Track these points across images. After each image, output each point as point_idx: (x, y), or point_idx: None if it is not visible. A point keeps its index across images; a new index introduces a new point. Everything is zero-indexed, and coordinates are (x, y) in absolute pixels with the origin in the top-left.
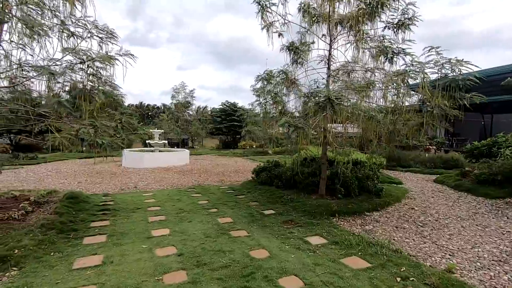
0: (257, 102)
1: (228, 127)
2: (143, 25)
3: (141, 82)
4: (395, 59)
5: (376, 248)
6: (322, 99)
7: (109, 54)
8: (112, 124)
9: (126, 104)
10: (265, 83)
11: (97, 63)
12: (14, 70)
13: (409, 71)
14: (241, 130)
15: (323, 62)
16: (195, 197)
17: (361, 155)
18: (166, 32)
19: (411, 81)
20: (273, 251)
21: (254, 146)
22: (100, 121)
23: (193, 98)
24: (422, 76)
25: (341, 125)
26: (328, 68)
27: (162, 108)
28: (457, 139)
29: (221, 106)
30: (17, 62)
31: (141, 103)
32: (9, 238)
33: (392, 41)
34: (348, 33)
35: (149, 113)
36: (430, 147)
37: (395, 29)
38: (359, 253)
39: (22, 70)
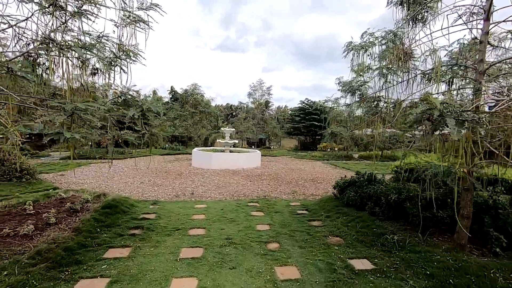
0: (341, 96)
1: (307, 127)
2: (234, 32)
3: (230, 84)
4: None
5: None
6: None
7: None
8: (100, 108)
9: (213, 104)
10: (361, 53)
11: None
12: None
13: None
14: (322, 132)
15: (470, 14)
16: (254, 217)
17: None
18: (254, 36)
19: None
20: None
21: (336, 149)
22: (78, 104)
23: (270, 95)
24: None
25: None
26: (487, 20)
27: (245, 107)
28: None
29: (299, 105)
30: None
31: (227, 104)
32: None
33: None
34: None
35: (233, 113)
36: None
37: None
38: None
39: None
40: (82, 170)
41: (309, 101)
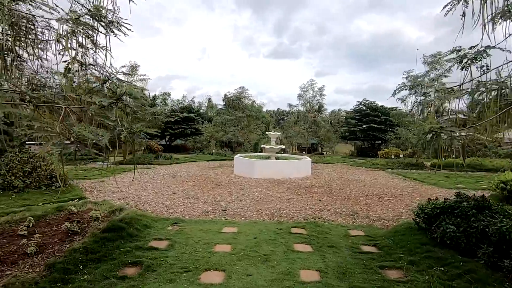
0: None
1: (364, 130)
2: (287, 38)
3: (282, 90)
4: None
5: None
6: None
7: None
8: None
9: (264, 110)
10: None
11: None
12: None
13: None
14: (385, 135)
15: None
16: (297, 255)
17: None
18: (307, 41)
19: None
20: None
21: (401, 156)
22: None
23: (323, 96)
24: None
25: None
26: None
27: (296, 112)
28: None
29: (355, 106)
30: None
31: (278, 109)
32: None
33: None
34: None
35: (284, 118)
36: None
37: None
38: None
39: None
40: (124, 176)
41: (367, 101)
